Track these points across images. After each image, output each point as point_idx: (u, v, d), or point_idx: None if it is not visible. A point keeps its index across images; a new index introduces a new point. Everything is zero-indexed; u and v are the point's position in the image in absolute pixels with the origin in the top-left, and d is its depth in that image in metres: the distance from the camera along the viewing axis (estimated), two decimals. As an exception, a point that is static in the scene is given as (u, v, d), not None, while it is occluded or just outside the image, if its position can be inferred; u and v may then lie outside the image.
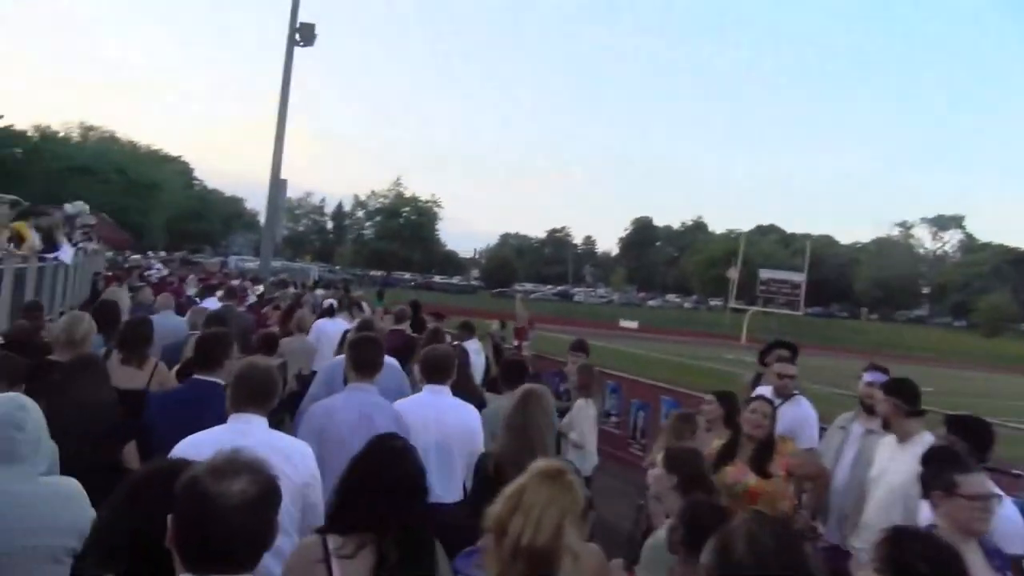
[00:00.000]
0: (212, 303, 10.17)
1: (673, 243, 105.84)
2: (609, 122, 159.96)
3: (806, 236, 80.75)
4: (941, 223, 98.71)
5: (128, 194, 62.62)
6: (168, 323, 7.85)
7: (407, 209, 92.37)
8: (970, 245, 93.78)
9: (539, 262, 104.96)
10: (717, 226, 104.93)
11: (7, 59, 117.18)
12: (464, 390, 5.56)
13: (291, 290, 19.81)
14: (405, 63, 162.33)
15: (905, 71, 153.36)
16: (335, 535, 2.59)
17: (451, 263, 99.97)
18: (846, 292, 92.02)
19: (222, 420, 3.32)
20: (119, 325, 6.39)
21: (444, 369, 4.66)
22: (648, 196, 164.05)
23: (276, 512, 1.75)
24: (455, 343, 7.21)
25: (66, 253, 12.90)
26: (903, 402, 4.39)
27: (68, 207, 16.52)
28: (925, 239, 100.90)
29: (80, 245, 15.59)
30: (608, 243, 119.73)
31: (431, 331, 7.56)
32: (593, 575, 2.71)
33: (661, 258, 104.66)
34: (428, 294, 57.13)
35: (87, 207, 17.90)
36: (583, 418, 6.71)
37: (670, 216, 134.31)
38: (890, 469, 4.37)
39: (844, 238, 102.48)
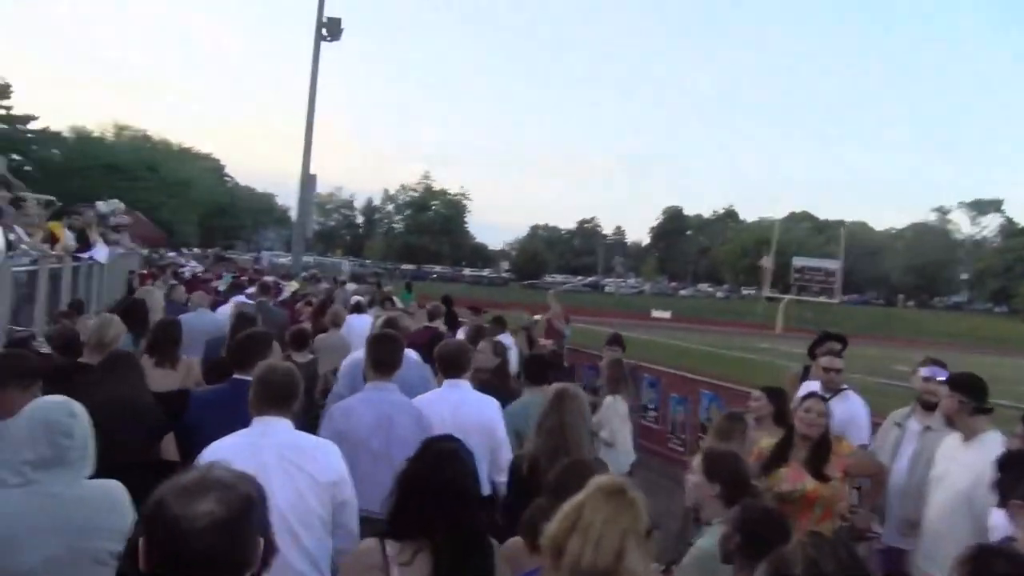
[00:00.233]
0: (239, 300, 10.13)
1: (704, 232, 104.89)
2: (638, 112, 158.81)
3: (840, 223, 79.40)
4: (980, 207, 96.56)
5: (161, 192, 63.51)
6: (204, 320, 7.84)
7: (436, 202, 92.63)
8: (1010, 230, 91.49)
9: (569, 253, 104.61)
10: (749, 214, 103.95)
11: (40, 61, 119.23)
12: (502, 386, 5.45)
13: (323, 285, 19.86)
14: (433, 55, 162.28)
15: (941, 52, 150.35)
16: (393, 540, 2.57)
17: (481, 256, 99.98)
18: (882, 279, 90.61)
19: (263, 420, 3.31)
20: (148, 325, 6.39)
21: (459, 363, 4.65)
22: (678, 185, 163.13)
23: (254, 531, 1.61)
24: (495, 339, 7.08)
25: (100, 252, 12.96)
26: (969, 398, 4.15)
27: (101, 205, 16.64)
28: (963, 224, 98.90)
29: (114, 243, 15.68)
30: (638, 233, 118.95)
31: (474, 329, 7.47)
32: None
33: (692, 247, 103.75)
34: (458, 287, 57.12)
35: (121, 205, 18.03)
36: (613, 415, 6.55)
37: (701, 205, 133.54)
38: (953, 470, 4.14)
39: (879, 224, 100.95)
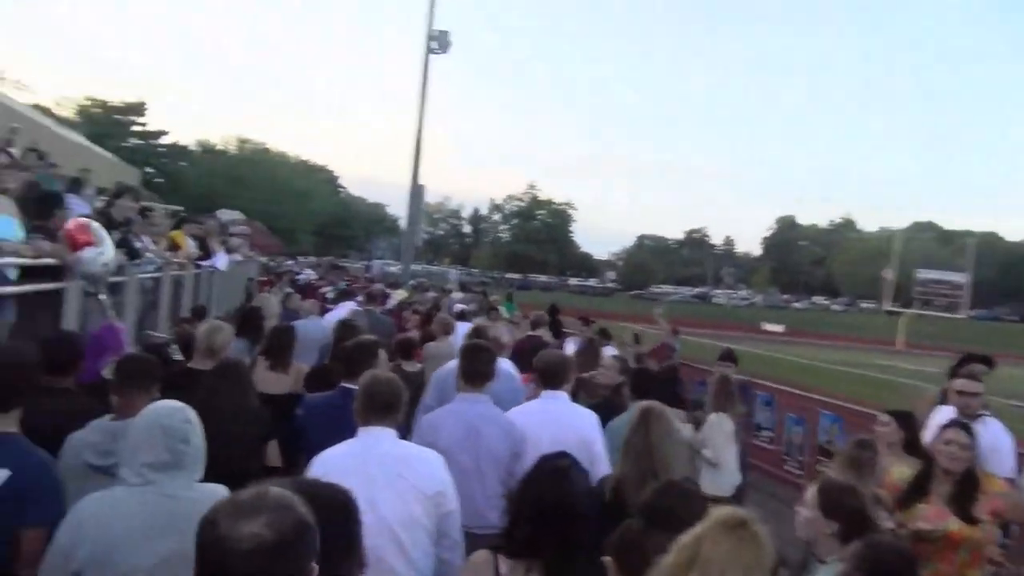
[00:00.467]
0: (350, 307, 10.30)
1: (819, 242, 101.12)
2: (748, 118, 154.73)
3: (968, 233, 74.88)
4: None
5: (279, 202, 66.26)
6: (313, 327, 7.98)
7: (542, 212, 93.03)
8: None
9: (676, 264, 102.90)
10: (867, 224, 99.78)
11: (171, 79, 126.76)
12: (621, 406, 5.28)
13: (430, 294, 20.08)
14: (539, 64, 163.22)
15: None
16: (505, 557, 2.60)
17: (586, 265, 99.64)
18: (1014, 293, 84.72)
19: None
20: (263, 331, 6.54)
21: (558, 374, 4.52)
22: (791, 194, 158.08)
23: (304, 556, 1.55)
24: (619, 355, 6.94)
25: (221, 260, 13.46)
26: None
27: (222, 215, 17.34)
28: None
29: (233, 251, 16.30)
30: (749, 243, 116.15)
31: (587, 341, 7.31)
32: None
33: (806, 258, 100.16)
34: (563, 296, 56.94)
35: (241, 215, 18.76)
36: (717, 433, 6.23)
37: (815, 214, 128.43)
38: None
39: (1012, 235, 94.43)
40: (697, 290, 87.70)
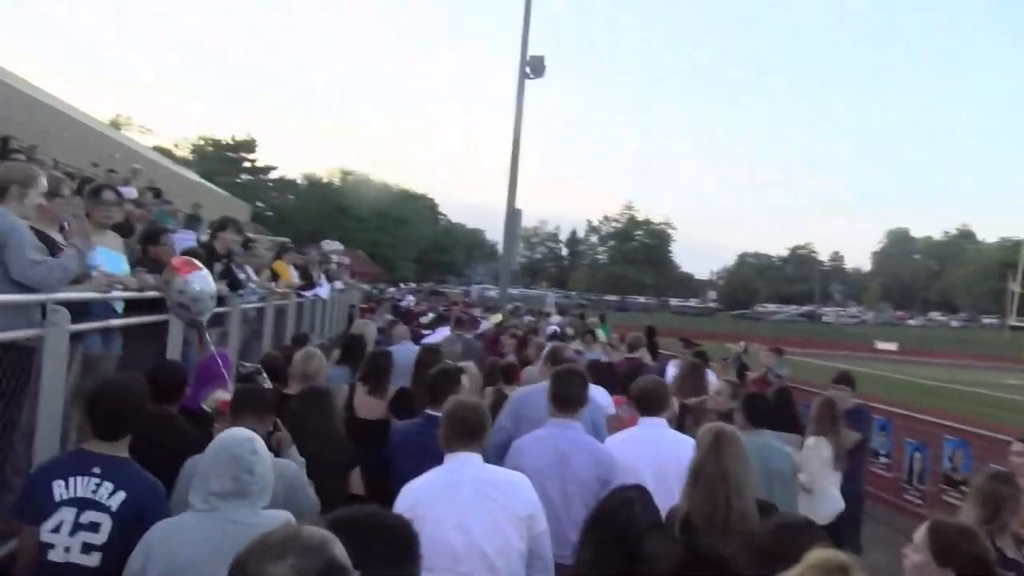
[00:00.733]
0: (444, 332, 10.33)
1: (934, 255, 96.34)
2: (852, 128, 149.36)
3: (1104, 242, 69.71)
4: None
5: (381, 230, 68.06)
6: (405, 352, 7.99)
7: (640, 232, 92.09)
8: None
9: (781, 281, 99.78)
10: (988, 234, 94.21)
11: (278, 116, 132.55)
12: None
13: (527, 318, 20.04)
14: (633, 84, 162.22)
15: None
16: None
17: (686, 285, 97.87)
18: None
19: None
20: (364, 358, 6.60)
21: (657, 401, 4.37)
22: (903, 205, 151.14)
23: None
24: (731, 379, 6.68)
25: (323, 289, 13.82)
26: None
27: (324, 244, 17.81)
28: None
29: (335, 280, 16.70)
30: (858, 258, 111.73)
31: (691, 365, 7.06)
32: None
33: (920, 272, 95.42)
34: (663, 317, 55.99)
35: (341, 246, 19.23)
36: (814, 458, 5.87)
37: (930, 226, 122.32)
38: None
39: None
40: (804, 308, 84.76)
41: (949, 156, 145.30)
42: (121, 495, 2.81)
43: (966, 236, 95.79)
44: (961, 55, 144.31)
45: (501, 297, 29.48)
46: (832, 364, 33.81)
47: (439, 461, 3.29)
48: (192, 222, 10.69)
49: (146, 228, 6.50)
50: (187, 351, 5.51)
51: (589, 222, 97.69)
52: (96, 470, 2.84)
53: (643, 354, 8.85)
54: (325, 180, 78.12)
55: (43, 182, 4.00)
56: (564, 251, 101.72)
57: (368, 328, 9.48)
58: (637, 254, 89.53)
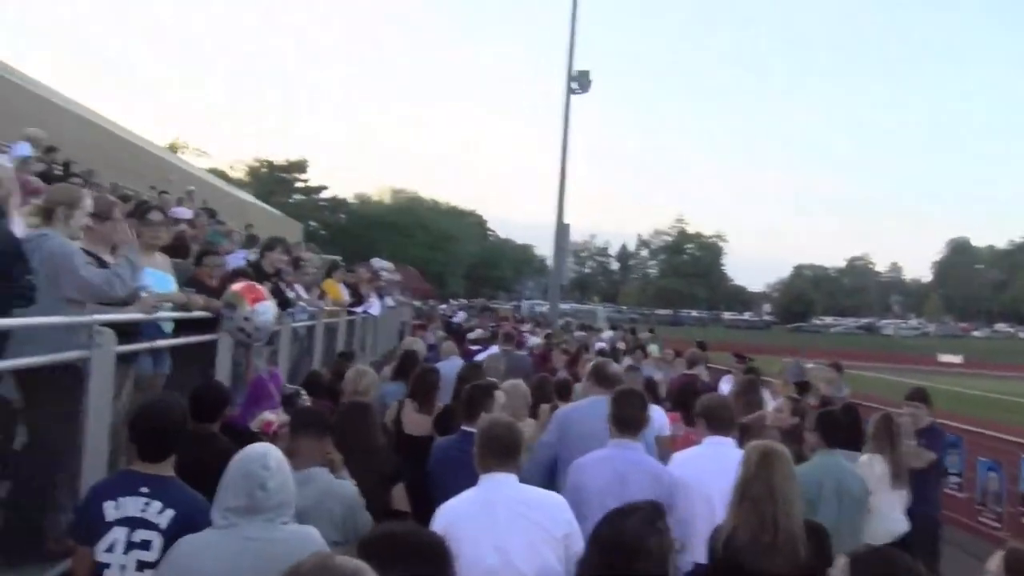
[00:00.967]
0: (494, 349, 10.22)
1: (999, 264, 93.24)
2: (908, 135, 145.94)
3: None
4: None
5: (431, 248, 68.58)
6: (451, 369, 7.93)
7: (691, 245, 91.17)
8: None
9: (838, 293, 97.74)
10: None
11: (329, 136, 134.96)
12: (797, 451, 4.90)
13: (578, 333, 19.84)
14: (681, 96, 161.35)
15: None
16: None
17: (740, 298, 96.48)
18: None
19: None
20: (416, 374, 6.55)
21: (729, 419, 4.34)
22: (964, 214, 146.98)
23: None
24: (792, 396, 6.48)
25: (374, 306, 13.88)
26: None
27: (374, 262, 17.92)
28: None
29: (385, 297, 16.78)
30: (918, 269, 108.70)
31: (745, 383, 6.88)
32: None
33: (984, 282, 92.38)
34: (716, 331, 55.21)
35: (391, 264, 19.35)
36: (866, 476, 5.56)
37: (993, 235, 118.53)
38: None
39: None
40: (862, 321, 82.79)
41: (1011, 162, 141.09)
42: (170, 513, 2.87)
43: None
44: (1018, 56, 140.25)
45: (551, 312, 29.31)
46: (894, 378, 32.94)
47: (475, 477, 3.26)
48: (250, 242, 10.84)
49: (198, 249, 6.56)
50: (236, 370, 5.51)
51: (639, 236, 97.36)
52: (144, 489, 2.90)
53: (701, 370, 8.62)
54: (375, 199, 79.07)
55: (88, 203, 4.03)
56: (614, 265, 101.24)
57: (417, 344, 9.45)
58: (688, 267, 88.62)
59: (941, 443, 6.17)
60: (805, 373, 11.48)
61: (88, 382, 3.51)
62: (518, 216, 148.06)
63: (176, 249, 7.43)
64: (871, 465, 5.59)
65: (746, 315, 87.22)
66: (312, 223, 61.74)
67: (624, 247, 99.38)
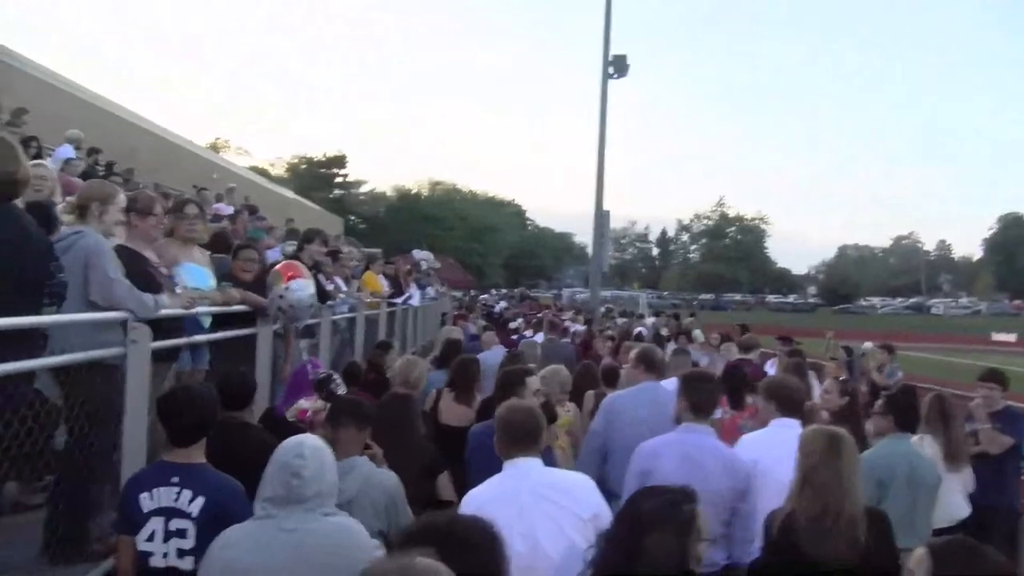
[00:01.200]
0: (540, 337, 10.15)
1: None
2: (957, 107, 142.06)
3: None
4: None
5: (470, 239, 68.74)
6: (494, 358, 7.90)
7: (732, 229, 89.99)
8: None
9: (884, 273, 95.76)
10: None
11: (366, 131, 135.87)
12: (853, 431, 4.78)
13: (620, 320, 19.66)
14: (721, 75, 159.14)
15: None
16: None
17: (784, 281, 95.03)
18: None
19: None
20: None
21: (798, 401, 4.33)
22: (1017, 188, 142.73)
23: None
24: (840, 378, 6.32)
25: (414, 297, 13.90)
26: None
27: (415, 253, 17.97)
28: None
29: (425, 287, 16.82)
30: (968, 246, 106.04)
31: (792, 364, 6.76)
32: None
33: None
34: (760, 315, 54.41)
35: (431, 255, 19.40)
36: None
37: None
38: None
39: None
40: (911, 300, 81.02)
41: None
42: (200, 500, 2.92)
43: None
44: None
45: (592, 299, 29.18)
46: (946, 359, 32.17)
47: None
48: (291, 236, 10.93)
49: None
50: (276, 363, 5.50)
51: (679, 221, 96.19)
52: (175, 479, 2.95)
53: (756, 355, 8.43)
54: (414, 191, 79.44)
55: (122, 199, 4.02)
56: (655, 251, 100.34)
57: (456, 333, 9.42)
58: (730, 251, 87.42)
59: (1020, 426, 5.82)
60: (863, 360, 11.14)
61: (125, 379, 3.49)
62: (557, 205, 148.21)
63: (217, 246, 7.47)
64: (922, 447, 5.38)
65: (791, 298, 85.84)
66: (352, 217, 62.27)
67: (664, 232, 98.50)
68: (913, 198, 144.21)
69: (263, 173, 51.63)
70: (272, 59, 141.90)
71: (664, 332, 14.09)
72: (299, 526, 2.56)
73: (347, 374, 6.22)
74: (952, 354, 33.84)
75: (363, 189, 73.65)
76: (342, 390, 4.75)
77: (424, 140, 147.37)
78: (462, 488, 4.29)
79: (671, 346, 10.42)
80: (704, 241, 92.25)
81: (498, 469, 3.24)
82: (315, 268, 7.18)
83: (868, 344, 11.78)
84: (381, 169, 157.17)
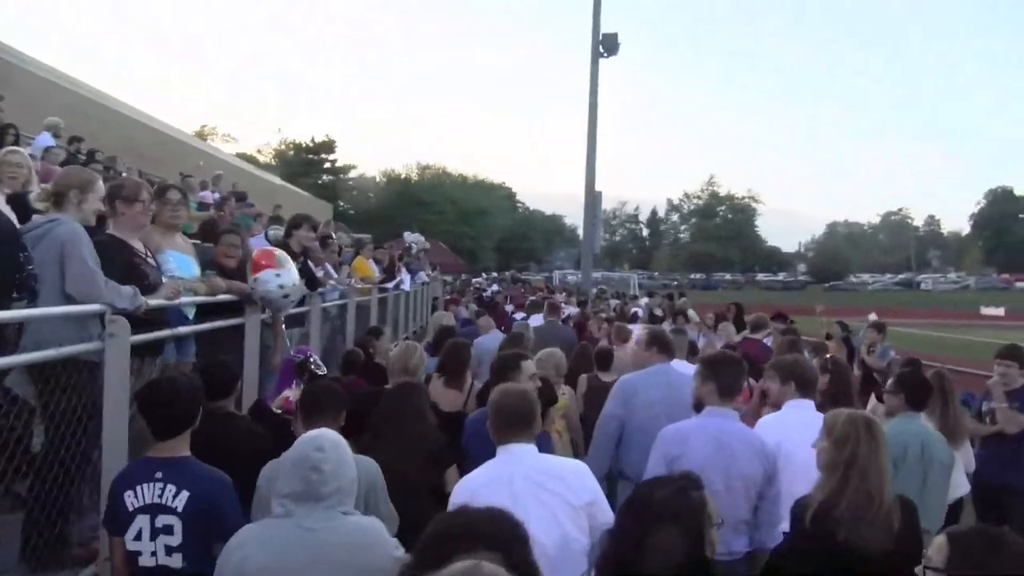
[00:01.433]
0: (537, 320, 10.05)
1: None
2: (942, 80, 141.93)
3: None
4: None
5: (461, 222, 68.41)
6: (491, 343, 7.80)
7: (722, 208, 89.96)
8: None
9: (874, 250, 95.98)
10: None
11: (353, 115, 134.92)
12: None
13: (613, 301, 19.58)
14: (707, 56, 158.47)
15: None
16: None
17: (774, 259, 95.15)
18: None
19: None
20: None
21: (815, 381, 4.34)
22: (1004, 163, 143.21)
23: None
24: (828, 356, 6.25)
25: (405, 282, 13.77)
26: None
27: (406, 236, 17.81)
28: None
29: (417, 272, 16.68)
30: (956, 222, 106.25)
31: (787, 342, 6.73)
32: None
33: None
34: (750, 294, 54.46)
35: (421, 237, 19.24)
36: None
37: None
38: None
39: None
40: (900, 276, 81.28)
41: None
42: (184, 495, 2.85)
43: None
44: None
45: (584, 281, 29.08)
46: (936, 334, 32.23)
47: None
48: (272, 221, 10.77)
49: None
50: (265, 353, 5.36)
51: (669, 201, 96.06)
52: (158, 475, 2.88)
53: (765, 335, 8.35)
54: (403, 176, 79.00)
55: (101, 186, 3.86)
56: (644, 232, 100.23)
57: (447, 319, 9.30)
58: (720, 230, 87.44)
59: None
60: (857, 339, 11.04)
61: (102, 375, 3.34)
62: (546, 187, 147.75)
63: (207, 235, 7.29)
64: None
65: (781, 276, 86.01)
66: (341, 204, 61.84)
67: (654, 212, 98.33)
68: (902, 174, 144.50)
69: (251, 160, 51.16)
70: (272, 59, 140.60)
71: (659, 312, 14.02)
72: (319, 525, 2.48)
73: (346, 361, 6.11)
74: (942, 329, 33.90)
75: (352, 174, 73.18)
76: (322, 371, 4.66)
77: (415, 126, 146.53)
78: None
79: (666, 326, 10.35)
80: (694, 221, 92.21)
81: (490, 455, 3.20)
82: (304, 254, 7.03)
83: (873, 316, 11.61)
84: (370, 154, 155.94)
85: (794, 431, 3.76)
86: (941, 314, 44.14)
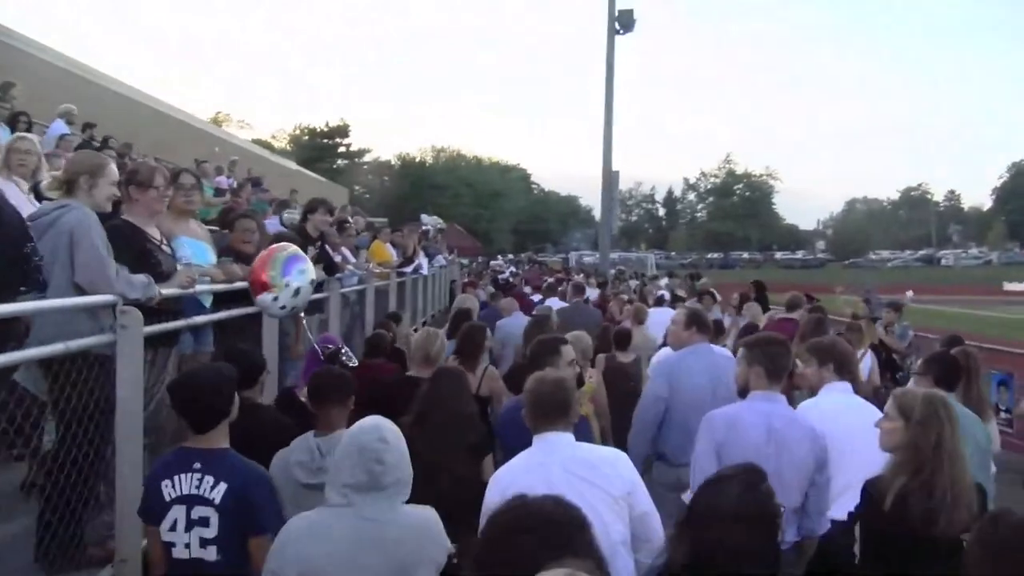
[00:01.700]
0: (554, 302, 9.94)
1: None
2: (959, 52, 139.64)
3: None
4: None
5: (476, 205, 68.32)
6: (515, 326, 7.72)
7: (740, 186, 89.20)
8: None
9: (894, 226, 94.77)
10: None
11: (368, 99, 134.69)
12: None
13: (632, 282, 19.39)
14: (722, 32, 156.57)
15: None
16: None
17: (793, 237, 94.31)
18: None
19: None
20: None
21: (854, 363, 4.32)
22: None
23: None
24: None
25: (424, 266, 13.64)
26: None
27: (423, 218, 17.68)
28: None
29: (434, 255, 16.57)
30: (977, 196, 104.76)
31: (814, 320, 6.58)
32: None
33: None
34: (769, 272, 53.96)
35: (438, 219, 19.11)
36: None
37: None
38: None
39: None
40: (921, 252, 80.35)
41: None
42: (223, 487, 2.81)
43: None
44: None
45: (602, 262, 28.82)
46: (958, 310, 31.80)
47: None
48: (280, 208, 10.65)
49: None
50: (284, 341, 5.24)
51: (686, 180, 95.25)
52: (197, 465, 2.84)
53: (799, 315, 8.19)
54: (418, 159, 78.87)
55: (113, 171, 3.72)
56: (661, 211, 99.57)
57: (470, 302, 9.19)
58: (738, 209, 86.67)
59: None
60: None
61: (115, 368, 3.21)
62: (561, 168, 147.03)
63: (224, 222, 7.19)
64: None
65: (800, 254, 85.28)
66: (357, 187, 61.86)
67: (671, 192, 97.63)
68: (921, 149, 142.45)
69: (266, 145, 51.18)
70: (271, 58, 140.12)
71: (681, 293, 13.82)
72: (379, 516, 2.48)
73: (372, 345, 6.02)
74: (964, 305, 33.47)
75: (367, 158, 73.13)
76: (353, 363, 4.56)
77: (429, 110, 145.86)
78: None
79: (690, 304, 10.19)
80: (711, 199, 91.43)
81: (525, 444, 3.14)
82: (320, 239, 6.90)
83: (910, 293, 11.32)
84: (385, 137, 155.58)
85: (841, 416, 3.63)
86: (964, 290, 43.67)
